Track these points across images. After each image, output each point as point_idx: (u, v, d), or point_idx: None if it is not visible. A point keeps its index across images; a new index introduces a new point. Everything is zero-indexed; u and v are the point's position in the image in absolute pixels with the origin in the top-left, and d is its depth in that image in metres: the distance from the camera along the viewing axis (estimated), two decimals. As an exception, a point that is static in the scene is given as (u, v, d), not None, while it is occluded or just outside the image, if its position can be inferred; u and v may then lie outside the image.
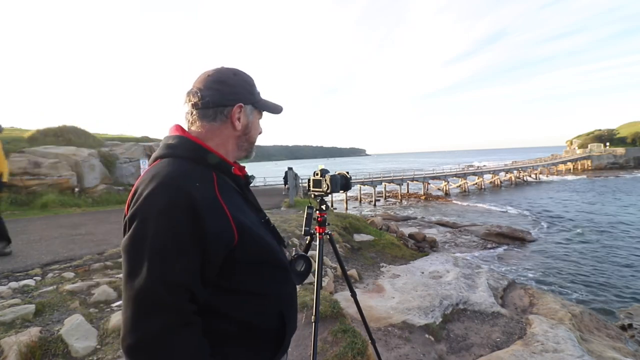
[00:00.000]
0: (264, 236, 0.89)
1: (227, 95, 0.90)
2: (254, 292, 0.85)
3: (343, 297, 3.89)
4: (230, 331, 0.81)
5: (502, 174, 40.93)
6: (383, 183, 31.93)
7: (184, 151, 0.84)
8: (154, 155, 0.88)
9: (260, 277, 0.87)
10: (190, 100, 0.90)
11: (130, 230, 0.73)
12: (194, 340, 0.72)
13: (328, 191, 1.92)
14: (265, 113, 1.04)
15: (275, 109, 1.05)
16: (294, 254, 1.12)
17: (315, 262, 1.73)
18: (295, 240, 6.00)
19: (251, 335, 0.84)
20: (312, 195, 2.00)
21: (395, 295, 4.55)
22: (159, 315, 0.69)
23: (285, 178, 14.70)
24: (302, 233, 1.89)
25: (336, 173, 2.00)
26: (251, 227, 0.84)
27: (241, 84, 0.94)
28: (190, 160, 0.84)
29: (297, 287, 1.09)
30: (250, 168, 1.03)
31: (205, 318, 0.77)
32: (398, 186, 31.87)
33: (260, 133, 1.04)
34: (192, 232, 0.72)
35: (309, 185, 1.99)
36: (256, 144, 1.04)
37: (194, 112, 0.90)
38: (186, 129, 0.92)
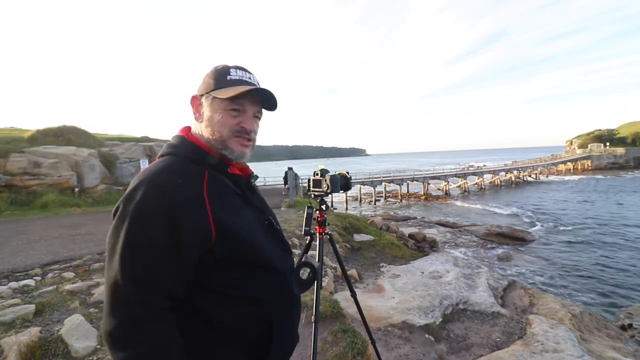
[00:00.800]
0: (253, 237, 0.85)
1: (197, 92, 0.92)
2: (235, 295, 0.82)
3: (343, 297, 3.89)
4: (209, 331, 0.80)
5: (502, 174, 40.88)
6: (383, 183, 31.88)
7: (182, 150, 0.87)
8: (158, 154, 0.92)
9: (245, 279, 0.84)
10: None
11: (112, 223, 0.76)
12: (164, 337, 0.72)
13: (328, 191, 1.92)
14: (268, 112, 0.94)
15: (240, 83, 0.87)
16: (302, 259, 1.04)
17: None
18: (296, 240, 6.00)
19: (231, 338, 0.82)
20: (312, 195, 2.00)
21: (395, 295, 4.55)
22: (128, 309, 0.70)
23: (285, 178, 14.68)
24: (302, 233, 1.89)
25: (336, 173, 2.00)
26: (235, 226, 0.81)
27: (208, 75, 0.90)
28: (186, 158, 0.85)
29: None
30: (250, 168, 0.99)
31: (183, 316, 0.77)
32: (398, 186, 31.82)
33: (242, 126, 0.88)
34: (167, 229, 0.73)
35: (309, 185, 1.99)
36: (257, 143, 0.94)
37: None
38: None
